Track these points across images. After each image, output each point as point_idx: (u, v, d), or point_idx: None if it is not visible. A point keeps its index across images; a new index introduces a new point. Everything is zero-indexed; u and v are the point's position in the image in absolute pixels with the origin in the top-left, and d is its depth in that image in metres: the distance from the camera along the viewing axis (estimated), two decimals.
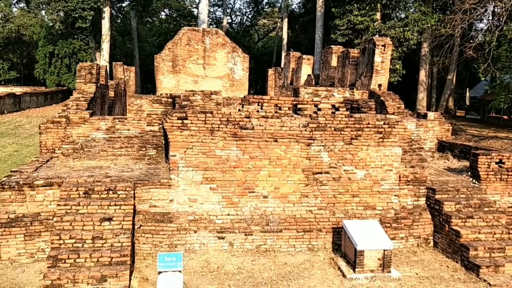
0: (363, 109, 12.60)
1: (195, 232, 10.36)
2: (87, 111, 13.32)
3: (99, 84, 17.92)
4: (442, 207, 10.89)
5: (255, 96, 11.25)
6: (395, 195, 11.40)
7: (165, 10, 71.96)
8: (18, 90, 43.14)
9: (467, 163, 13.15)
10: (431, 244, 11.25)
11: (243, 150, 10.70)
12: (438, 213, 11.06)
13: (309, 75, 26.67)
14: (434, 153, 14.71)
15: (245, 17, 73.44)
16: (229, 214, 10.68)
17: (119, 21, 63.55)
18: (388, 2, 38.01)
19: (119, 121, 13.06)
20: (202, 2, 40.92)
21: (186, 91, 13.90)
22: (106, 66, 19.91)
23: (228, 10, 72.13)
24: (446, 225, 10.69)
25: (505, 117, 41.27)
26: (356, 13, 37.44)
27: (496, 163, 11.63)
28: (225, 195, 10.72)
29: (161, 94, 20.55)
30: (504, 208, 11.53)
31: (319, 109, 11.22)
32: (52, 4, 42.77)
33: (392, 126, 11.07)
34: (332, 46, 25.20)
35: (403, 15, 39.94)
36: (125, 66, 31.66)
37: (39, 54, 48.41)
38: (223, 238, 10.47)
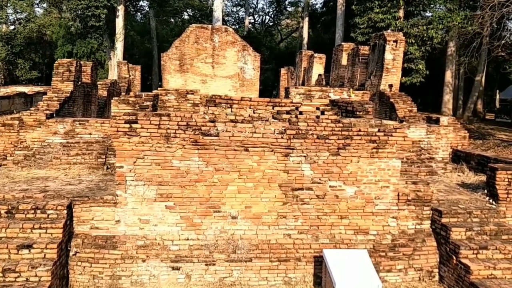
0: (357, 113, 10.64)
1: (144, 261, 8.58)
2: (46, 111, 11.77)
3: (80, 82, 16.45)
4: (449, 233, 8.87)
5: (224, 96, 9.43)
6: (393, 217, 9.41)
7: (188, 10, 70.74)
8: (32, 89, 42.33)
9: (485, 178, 11.07)
10: (436, 278, 9.21)
11: (206, 160, 8.88)
12: (444, 240, 9.03)
13: (319, 75, 24.70)
14: (447, 165, 12.59)
15: (267, 17, 71.78)
16: (188, 239, 8.86)
17: (139, 20, 62.72)
18: None
19: (80, 124, 11.46)
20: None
21: (159, 89, 12.20)
22: (92, 63, 18.40)
23: (251, 10, 70.57)
24: (454, 257, 8.66)
25: None
26: (377, 10, 35.40)
27: None
28: (184, 215, 8.90)
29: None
30: None
31: (301, 113, 9.32)
32: (65, 2, 42.05)
33: (389, 134, 9.10)
34: (343, 43, 23.20)
35: (428, 13, 37.58)
36: (130, 65, 30.36)
37: (58, 53, 47.69)
38: (178, 268, 8.65)
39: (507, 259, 8.51)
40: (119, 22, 41.33)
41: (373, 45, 18.16)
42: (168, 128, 8.63)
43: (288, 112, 9.29)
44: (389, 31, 17.48)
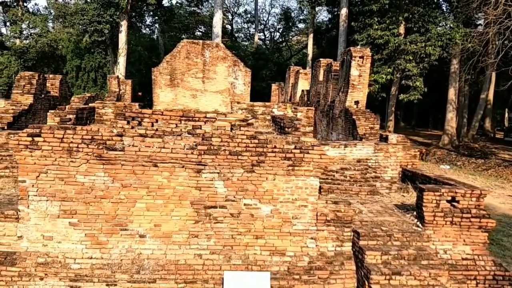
0: (286, 129, 10.26)
1: (42, 279, 8.28)
2: None
3: (43, 95, 16.41)
4: (364, 257, 8.39)
5: (134, 110, 9.17)
6: (312, 238, 8.96)
7: (200, 27, 71.28)
8: None
9: None
10: None
11: (112, 176, 8.58)
12: (361, 264, 8.55)
13: (303, 91, 24.34)
14: (394, 184, 12.04)
15: (277, 34, 71.94)
16: (91, 257, 8.54)
17: (148, 35, 63.35)
18: (411, 16, 35.36)
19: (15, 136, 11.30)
20: (215, 16, 39.50)
21: (96, 102, 12.00)
22: (61, 77, 18.42)
23: (261, 27, 70.83)
24: (366, 282, 8.18)
25: None
26: (376, 27, 35.13)
27: (448, 201, 8.94)
28: (89, 233, 8.58)
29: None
30: (456, 261, 8.79)
31: (217, 128, 8.98)
32: (68, 17, 42.69)
33: (305, 152, 8.69)
34: (320, 59, 22.83)
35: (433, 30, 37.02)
36: (122, 79, 30.42)
37: (67, 67, 48.40)
38: None
39: (422, 286, 7.98)
40: (122, 37, 41.79)
41: (342, 61, 17.74)
42: (71, 142, 8.37)
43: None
44: (358, 47, 17.04)
